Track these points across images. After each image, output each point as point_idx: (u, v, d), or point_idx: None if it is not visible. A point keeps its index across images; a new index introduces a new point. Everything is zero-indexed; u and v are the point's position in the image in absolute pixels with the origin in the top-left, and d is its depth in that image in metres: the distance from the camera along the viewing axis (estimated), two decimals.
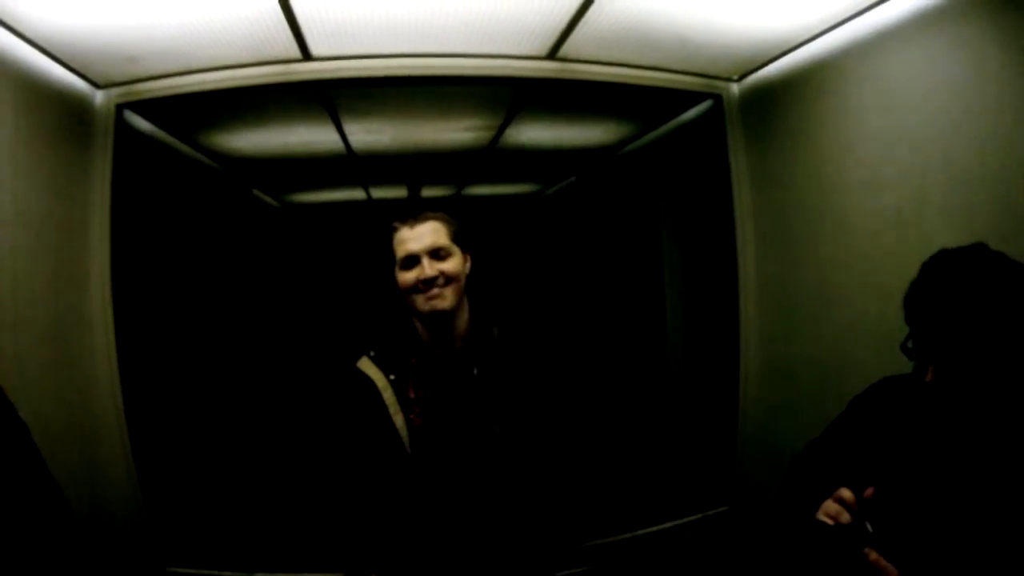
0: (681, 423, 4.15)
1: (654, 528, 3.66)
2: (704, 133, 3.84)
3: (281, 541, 3.45)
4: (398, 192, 7.10)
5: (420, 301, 1.95)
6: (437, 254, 1.96)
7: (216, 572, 3.33)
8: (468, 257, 2.06)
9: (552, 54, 3.27)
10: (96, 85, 3.15)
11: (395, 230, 2.02)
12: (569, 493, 2.07)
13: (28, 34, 2.61)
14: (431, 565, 1.94)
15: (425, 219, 2.00)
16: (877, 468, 1.55)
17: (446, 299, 1.94)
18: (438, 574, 1.94)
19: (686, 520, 3.71)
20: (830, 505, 1.47)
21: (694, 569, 3.61)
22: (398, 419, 1.95)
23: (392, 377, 2.00)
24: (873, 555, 1.38)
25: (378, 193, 6.87)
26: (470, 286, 2.06)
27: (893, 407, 1.65)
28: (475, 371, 2.00)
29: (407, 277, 1.96)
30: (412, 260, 1.96)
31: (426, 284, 1.93)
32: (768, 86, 3.45)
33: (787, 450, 3.32)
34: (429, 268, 1.93)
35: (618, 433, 4.05)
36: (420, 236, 1.97)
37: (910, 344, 1.60)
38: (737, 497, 3.73)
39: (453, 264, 1.98)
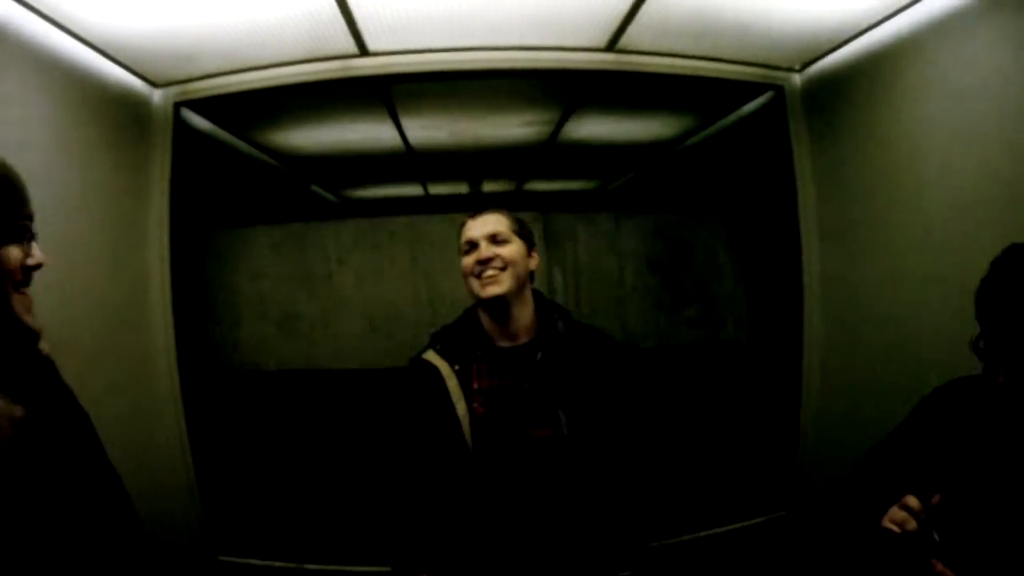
0: (742, 424, 4.05)
1: (713, 531, 3.59)
2: (766, 126, 3.72)
3: (332, 532, 3.47)
4: (457, 188, 7.11)
5: (477, 285, 1.99)
6: (495, 239, 2.01)
7: (267, 562, 3.38)
8: (534, 256, 2.10)
9: (611, 46, 3.21)
10: (154, 84, 3.20)
11: (463, 224, 2.10)
12: (634, 492, 2.05)
13: (87, 36, 2.67)
14: (487, 564, 1.91)
15: (488, 212, 2.08)
16: (946, 473, 1.47)
17: (501, 283, 1.97)
18: (494, 573, 1.92)
19: (746, 524, 3.63)
20: (896, 512, 1.40)
21: (753, 573, 3.52)
22: (460, 406, 1.95)
23: (457, 367, 2.02)
24: (940, 566, 1.32)
25: (436, 189, 6.87)
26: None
27: (963, 409, 1.57)
28: (538, 355, 2.00)
29: (467, 261, 2.02)
30: (472, 245, 2.02)
31: (482, 264, 1.98)
32: (830, 76, 3.33)
33: (849, 453, 3.19)
34: (486, 250, 1.99)
35: (679, 433, 3.97)
36: (481, 224, 2.04)
37: (981, 344, 1.53)
38: (797, 500, 3.62)
39: (510, 250, 2.01)
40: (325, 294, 4.09)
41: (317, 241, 4.11)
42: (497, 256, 1.98)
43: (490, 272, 1.97)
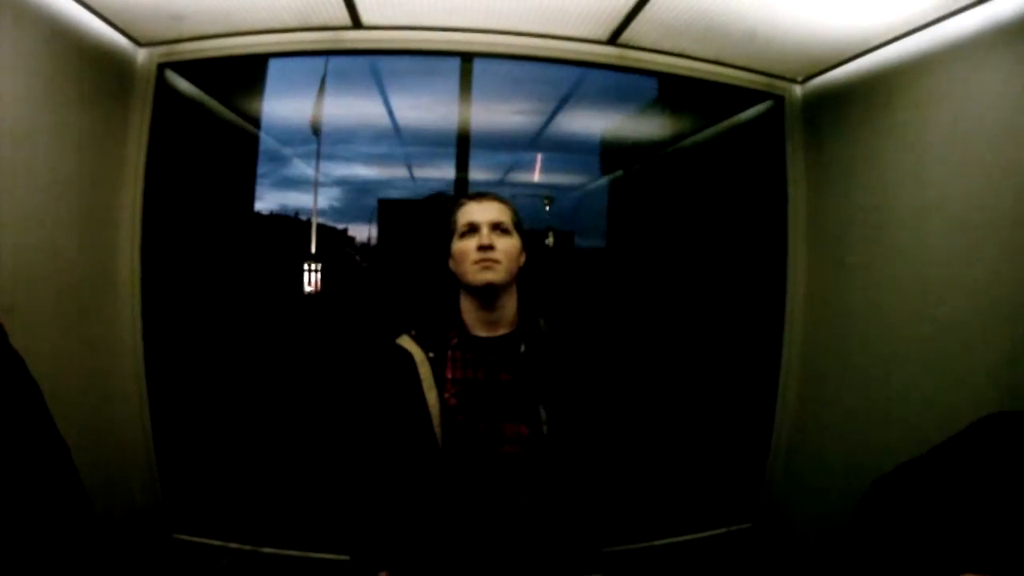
0: (713, 434, 4.03)
1: (674, 539, 3.55)
2: (761, 135, 3.68)
3: (291, 517, 3.40)
4: (442, 172, 7.09)
5: (472, 271, 1.93)
6: (498, 228, 1.96)
7: (222, 543, 3.32)
8: (524, 253, 2.04)
9: (613, 39, 3.16)
10: (138, 43, 3.09)
11: (460, 204, 2.03)
12: (603, 495, 2.02)
13: None
14: (449, 561, 1.87)
15: (492, 198, 2.03)
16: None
17: (498, 272, 1.91)
18: (453, 571, 1.87)
19: (708, 534, 3.61)
20: None
21: None
22: (431, 395, 1.90)
23: (431, 355, 1.96)
24: None
25: (421, 172, 6.83)
26: (521, 281, 2.04)
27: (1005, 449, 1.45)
28: (522, 348, 1.96)
29: (465, 245, 1.95)
30: (473, 228, 1.96)
31: (482, 250, 1.91)
32: (833, 91, 3.29)
33: (819, 472, 3.20)
34: (487, 238, 1.92)
35: (649, 437, 3.94)
36: (485, 209, 1.98)
37: None
38: (761, 515, 3.62)
39: (511, 244, 1.97)
40: None
41: None
42: (498, 247, 1.93)
43: (489, 261, 1.92)
